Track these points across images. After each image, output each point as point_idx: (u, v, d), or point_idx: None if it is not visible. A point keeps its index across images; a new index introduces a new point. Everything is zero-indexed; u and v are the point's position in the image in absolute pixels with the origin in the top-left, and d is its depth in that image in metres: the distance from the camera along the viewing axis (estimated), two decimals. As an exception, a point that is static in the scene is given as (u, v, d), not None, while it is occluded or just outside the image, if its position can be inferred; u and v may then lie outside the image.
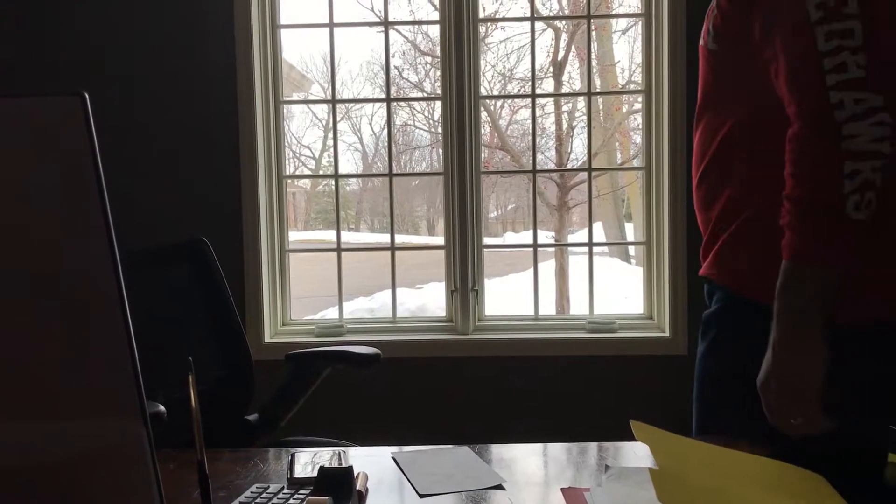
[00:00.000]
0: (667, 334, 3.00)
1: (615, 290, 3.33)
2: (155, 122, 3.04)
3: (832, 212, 1.02)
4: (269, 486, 1.00)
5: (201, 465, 0.85)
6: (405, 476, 1.07)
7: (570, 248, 6.98)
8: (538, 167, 3.27)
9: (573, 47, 5.90)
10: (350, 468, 0.95)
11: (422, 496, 1.00)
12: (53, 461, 0.64)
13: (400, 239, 3.71)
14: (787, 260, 1.06)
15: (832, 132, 1.02)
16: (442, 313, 3.18)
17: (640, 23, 3.12)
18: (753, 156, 1.21)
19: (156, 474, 0.63)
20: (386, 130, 3.33)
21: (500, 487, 1.02)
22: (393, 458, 1.14)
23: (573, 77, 6.15)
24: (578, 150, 6.15)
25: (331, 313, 3.87)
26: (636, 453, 1.16)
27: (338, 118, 3.27)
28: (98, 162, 0.53)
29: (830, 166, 1.02)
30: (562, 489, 0.99)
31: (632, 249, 7.77)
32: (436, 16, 3.09)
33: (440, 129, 3.12)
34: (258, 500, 0.95)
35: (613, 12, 4.35)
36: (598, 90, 5.68)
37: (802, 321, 1.04)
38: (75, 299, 0.60)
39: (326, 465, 0.98)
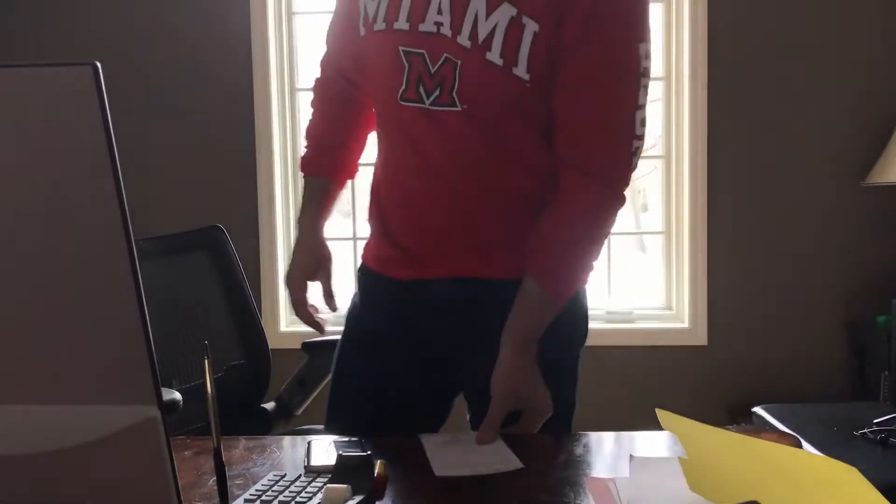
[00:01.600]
0: (686, 325, 2.96)
1: (632, 280, 3.31)
2: (170, 110, 3.03)
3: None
4: (285, 474, 0.98)
5: (217, 452, 0.83)
6: (427, 458, 1.05)
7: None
8: (556, 156, 3.23)
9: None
10: (369, 456, 0.93)
11: (441, 478, 0.98)
12: (66, 446, 0.62)
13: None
14: (557, 300, 1.19)
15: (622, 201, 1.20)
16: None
17: (660, 9, 3.07)
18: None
19: (170, 460, 0.61)
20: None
21: (521, 472, 1.00)
22: (419, 440, 1.12)
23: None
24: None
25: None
26: (659, 443, 1.13)
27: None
28: (111, 133, 0.51)
29: (606, 235, 1.22)
30: (586, 479, 0.97)
31: (647, 240, 7.70)
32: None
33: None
34: (275, 488, 0.93)
35: None
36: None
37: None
38: (88, 280, 0.58)
39: (344, 453, 0.96)
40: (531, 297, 1.17)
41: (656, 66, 3.06)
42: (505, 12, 1.10)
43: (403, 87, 1.16)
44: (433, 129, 1.17)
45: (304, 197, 1.41)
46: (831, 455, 0.98)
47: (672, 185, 3.04)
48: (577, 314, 1.32)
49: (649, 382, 2.96)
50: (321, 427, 1.42)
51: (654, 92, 3.06)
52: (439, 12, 1.12)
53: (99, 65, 0.52)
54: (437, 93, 1.15)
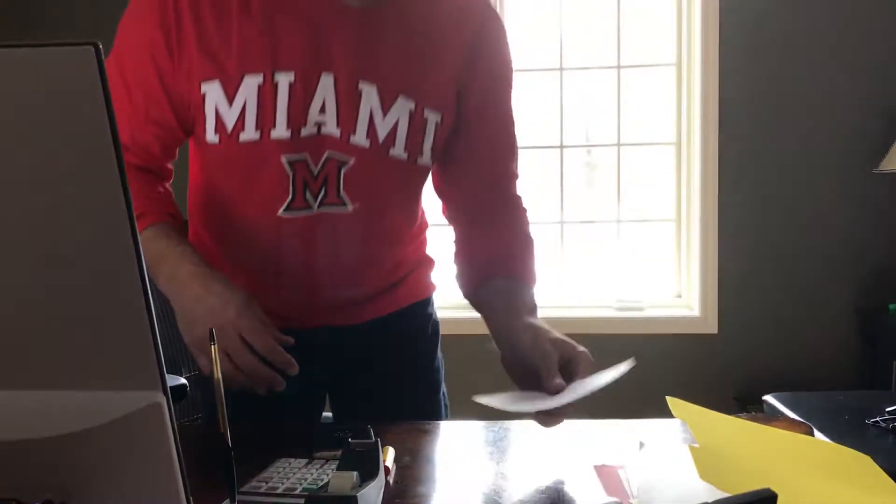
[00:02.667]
0: (696, 313, 2.95)
1: (641, 268, 3.30)
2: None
3: None
4: (292, 461, 0.98)
5: (224, 438, 0.83)
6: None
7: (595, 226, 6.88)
8: (564, 143, 3.21)
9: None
10: (377, 442, 0.92)
11: (447, 466, 0.97)
12: (70, 432, 0.62)
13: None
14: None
15: None
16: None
17: (671, -6, 3.04)
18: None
19: (176, 446, 0.61)
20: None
21: (529, 459, 0.99)
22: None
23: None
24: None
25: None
26: (668, 431, 1.12)
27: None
28: (113, 115, 0.50)
29: None
30: (595, 466, 0.96)
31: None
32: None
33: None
34: (282, 474, 0.93)
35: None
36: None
37: None
38: (91, 265, 0.58)
39: (352, 440, 0.96)
40: (520, 290, 1.20)
41: (668, 52, 3.03)
42: (403, 107, 1.07)
43: (290, 197, 1.09)
44: (320, 232, 1.12)
45: (164, 248, 1.06)
46: (843, 443, 0.97)
47: (682, 172, 3.02)
48: (431, 315, 1.40)
49: (658, 371, 2.96)
50: (329, 413, 1.42)
51: (666, 78, 3.04)
52: (321, 111, 1.05)
53: (101, 45, 0.51)
54: (322, 194, 1.09)
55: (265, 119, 1.04)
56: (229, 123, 1.05)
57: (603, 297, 3.08)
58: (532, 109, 3.05)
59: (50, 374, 0.62)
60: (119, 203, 0.52)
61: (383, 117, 1.06)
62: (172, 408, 0.62)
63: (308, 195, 1.09)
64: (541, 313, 2.83)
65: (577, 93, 3.17)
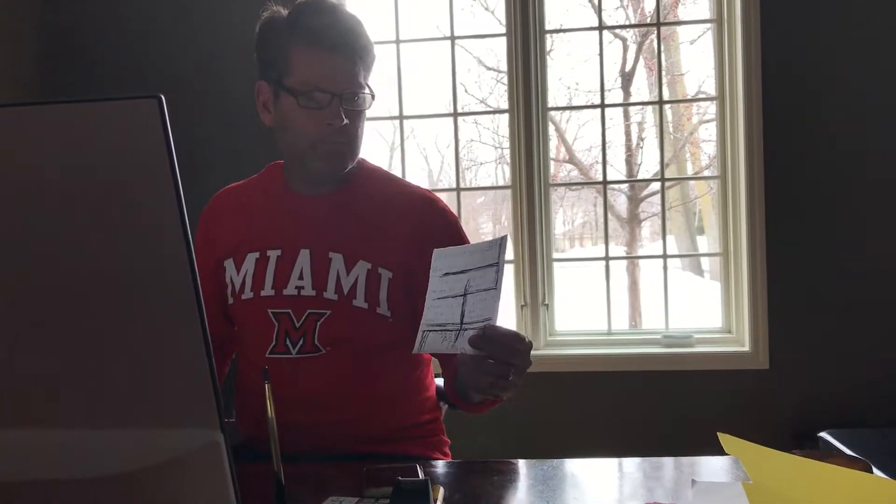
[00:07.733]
0: (746, 348, 2.89)
1: (690, 303, 3.24)
2: (220, 134, 3.10)
3: None
4: (343, 500, 0.98)
5: (277, 477, 0.84)
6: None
7: (641, 262, 6.84)
8: (608, 179, 3.20)
9: (641, 58, 5.82)
10: (427, 481, 0.92)
11: (500, 511, 0.97)
12: (131, 470, 0.63)
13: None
14: None
15: None
16: (511, 328, 3.14)
17: (712, 29, 3.04)
18: None
19: (234, 483, 0.62)
20: (451, 146, 3.32)
21: (581, 498, 0.98)
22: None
23: (641, 89, 6.07)
24: (648, 162, 6.05)
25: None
26: (719, 468, 1.11)
27: (405, 136, 3.26)
28: (175, 164, 0.53)
29: None
30: (647, 505, 0.95)
31: (705, 263, 7.58)
32: (500, 28, 3.08)
33: (505, 144, 3.09)
34: (334, 513, 0.94)
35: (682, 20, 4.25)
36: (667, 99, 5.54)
37: None
38: (153, 307, 0.60)
39: (401, 478, 0.96)
40: None
41: (710, 85, 3.01)
42: (362, 267, 1.36)
43: (273, 342, 1.36)
44: (297, 375, 1.35)
45: None
46: (904, 481, 0.94)
47: (729, 205, 2.99)
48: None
49: (709, 407, 2.90)
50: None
51: (709, 111, 3.02)
52: (300, 278, 1.36)
53: (163, 97, 0.54)
54: (301, 343, 1.35)
55: (257, 282, 1.38)
56: (237, 286, 1.40)
57: (652, 332, 3.05)
58: (578, 150, 3.04)
59: (110, 413, 0.64)
60: (181, 250, 0.54)
61: (347, 275, 1.35)
62: (230, 445, 0.63)
63: (288, 342, 1.35)
64: (587, 350, 2.83)
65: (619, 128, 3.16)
